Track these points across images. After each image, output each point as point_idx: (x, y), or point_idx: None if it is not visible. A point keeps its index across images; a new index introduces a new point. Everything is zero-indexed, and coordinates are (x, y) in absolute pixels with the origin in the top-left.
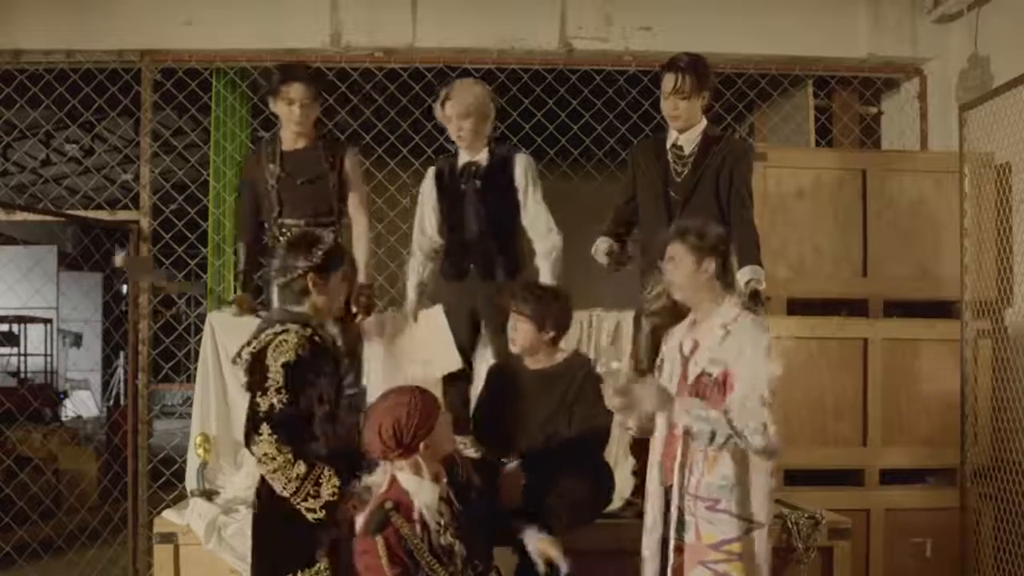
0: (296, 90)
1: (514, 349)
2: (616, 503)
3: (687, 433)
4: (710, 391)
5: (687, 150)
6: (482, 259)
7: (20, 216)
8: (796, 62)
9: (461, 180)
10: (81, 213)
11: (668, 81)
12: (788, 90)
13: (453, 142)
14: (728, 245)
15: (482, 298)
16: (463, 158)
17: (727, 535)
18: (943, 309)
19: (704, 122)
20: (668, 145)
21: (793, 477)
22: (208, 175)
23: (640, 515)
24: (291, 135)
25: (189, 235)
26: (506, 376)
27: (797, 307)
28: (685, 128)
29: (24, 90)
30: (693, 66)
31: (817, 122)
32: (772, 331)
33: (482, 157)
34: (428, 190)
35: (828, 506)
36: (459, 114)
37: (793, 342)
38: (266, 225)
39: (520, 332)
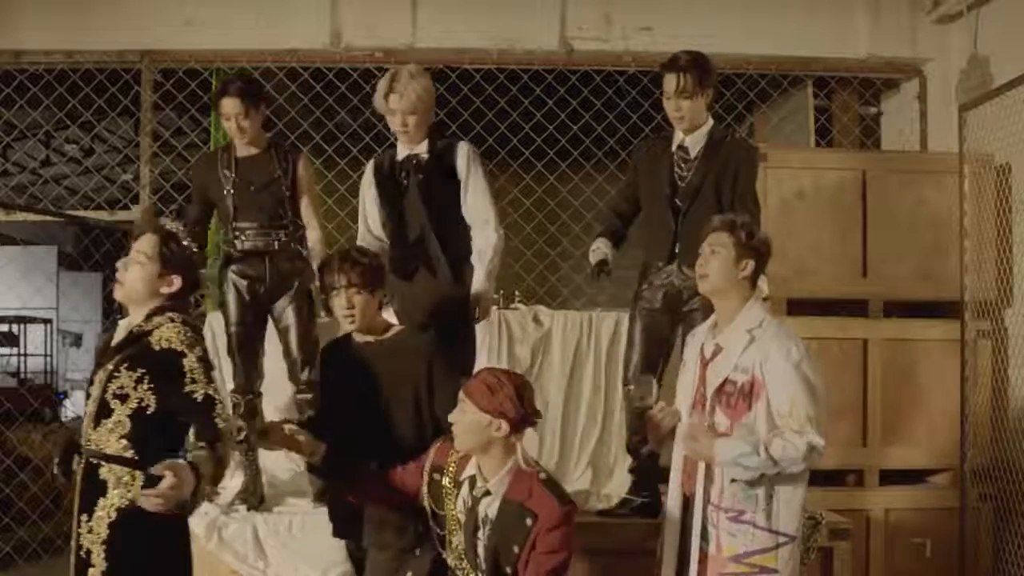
0: (228, 105)
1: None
2: (613, 500)
3: (733, 481)
4: (735, 400)
5: (693, 152)
6: (427, 258)
7: (20, 216)
8: (796, 62)
9: (402, 175)
10: (81, 213)
11: (670, 82)
12: (788, 90)
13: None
14: (768, 251)
15: (430, 298)
16: (403, 151)
17: (750, 547)
18: (943, 309)
19: (710, 122)
20: (674, 147)
21: None
22: None
23: (636, 513)
24: (241, 143)
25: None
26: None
27: (797, 307)
28: (691, 129)
29: (24, 90)
30: (694, 64)
31: (817, 122)
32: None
33: (422, 149)
34: (368, 185)
35: (828, 506)
36: (405, 109)
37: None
38: (223, 230)
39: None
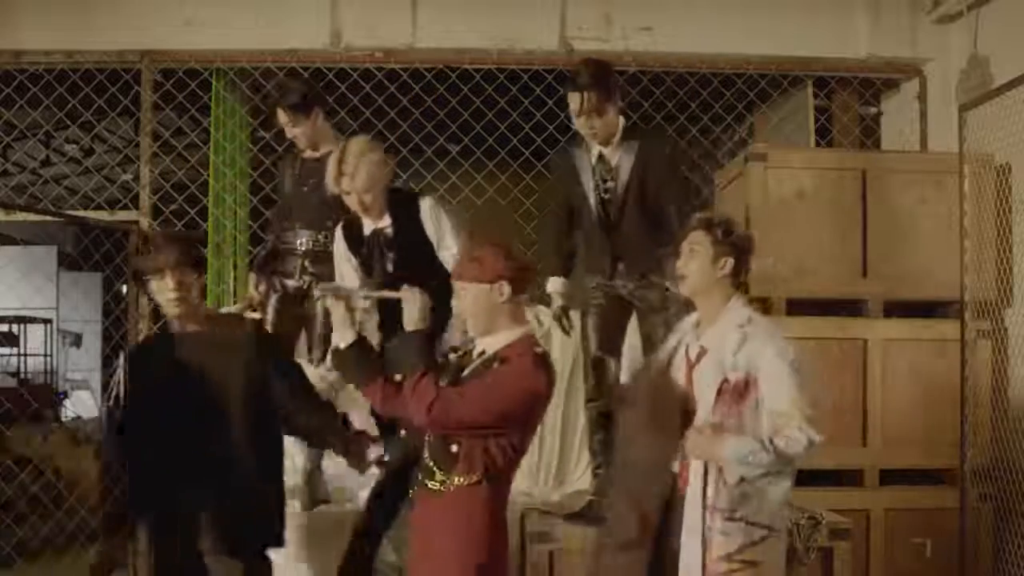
0: (279, 115)
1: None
2: (582, 501)
3: (743, 480)
4: (729, 397)
5: (613, 161)
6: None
7: (20, 216)
8: (796, 62)
9: (374, 251)
10: (81, 213)
11: (574, 101)
12: (788, 90)
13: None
14: (750, 247)
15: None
16: (368, 226)
17: (740, 543)
18: (943, 309)
19: (621, 122)
20: (593, 159)
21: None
22: (208, 175)
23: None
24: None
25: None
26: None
27: (797, 307)
28: (607, 139)
29: (24, 90)
30: (596, 81)
31: (817, 122)
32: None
33: (386, 223)
34: (343, 258)
35: (828, 506)
36: (359, 189)
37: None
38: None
39: None
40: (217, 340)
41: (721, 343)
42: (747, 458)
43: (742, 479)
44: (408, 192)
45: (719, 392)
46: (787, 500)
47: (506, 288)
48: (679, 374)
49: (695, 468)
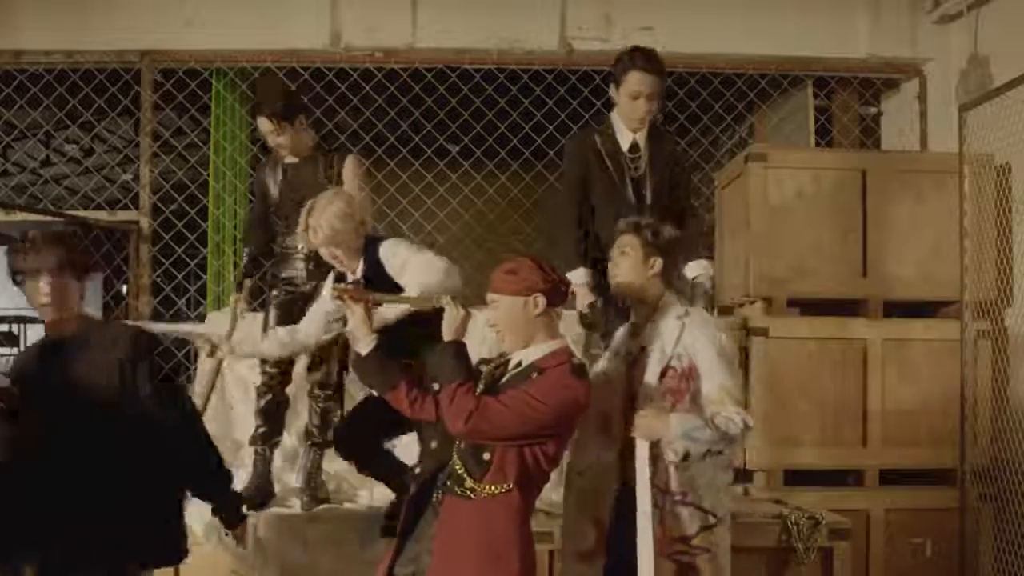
0: (261, 124)
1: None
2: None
3: (686, 457)
4: (676, 383)
5: (643, 148)
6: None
7: (20, 216)
8: (796, 62)
9: None
10: (81, 213)
11: (644, 83)
12: (788, 90)
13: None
14: (677, 248)
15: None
16: (350, 276)
17: (692, 529)
18: (943, 309)
19: None
20: (625, 147)
21: (793, 477)
22: (208, 175)
23: None
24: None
25: (189, 235)
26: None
27: (797, 307)
28: (641, 127)
29: (24, 90)
30: (659, 65)
31: (817, 122)
32: (773, 331)
33: (359, 270)
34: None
35: (828, 506)
36: (324, 243)
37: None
38: (277, 236)
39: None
40: (89, 348)
41: (662, 337)
42: (692, 433)
43: (686, 457)
44: (375, 238)
45: (662, 375)
46: (726, 488)
47: (541, 300)
48: (622, 379)
49: (642, 451)
